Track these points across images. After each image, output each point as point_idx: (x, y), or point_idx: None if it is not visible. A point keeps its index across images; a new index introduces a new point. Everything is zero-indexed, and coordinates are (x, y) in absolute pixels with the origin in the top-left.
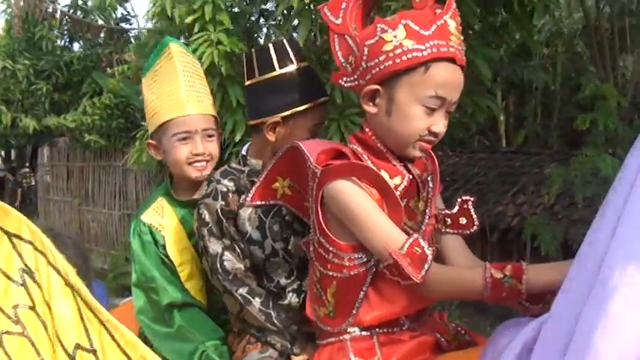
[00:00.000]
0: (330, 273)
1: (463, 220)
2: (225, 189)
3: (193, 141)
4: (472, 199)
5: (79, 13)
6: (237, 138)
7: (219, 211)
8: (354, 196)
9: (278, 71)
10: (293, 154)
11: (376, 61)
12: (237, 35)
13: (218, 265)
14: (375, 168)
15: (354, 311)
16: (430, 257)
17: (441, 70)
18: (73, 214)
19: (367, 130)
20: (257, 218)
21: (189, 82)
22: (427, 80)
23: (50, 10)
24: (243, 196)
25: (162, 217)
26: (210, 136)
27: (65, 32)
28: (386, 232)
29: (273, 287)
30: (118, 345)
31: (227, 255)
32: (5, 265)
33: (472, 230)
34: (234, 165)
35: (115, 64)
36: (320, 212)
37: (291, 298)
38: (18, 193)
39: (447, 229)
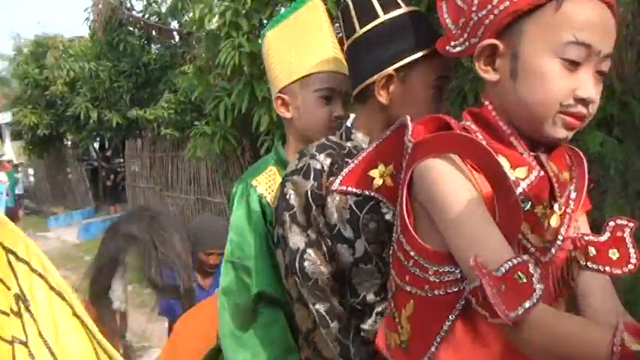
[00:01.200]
0: (408, 288)
1: (614, 254)
2: (319, 166)
3: (335, 101)
4: (632, 224)
5: (154, 17)
6: (262, 128)
7: (309, 193)
8: (449, 182)
9: (383, 17)
10: (399, 134)
11: (489, 6)
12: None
13: (297, 265)
14: (489, 149)
15: (433, 349)
16: (537, 294)
17: (579, 5)
18: (155, 199)
19: (487, 103)
20: (348, 210)
21: (334, 40)
22: (561, 20)
23: (126, 16)
24: (331, 179)
25: (273, 188)
26: (346, 101)
27: (142, 35)
28: (483, 239)
29: (357, 304)
30: None
31: (310, 253)
32: (8, 283)
33: (627, 270)
34: (333, 138)
35: (187, 63)
36: (405, 201)
37: (376, 325)
38: (110, 180)
39: (589, 263)
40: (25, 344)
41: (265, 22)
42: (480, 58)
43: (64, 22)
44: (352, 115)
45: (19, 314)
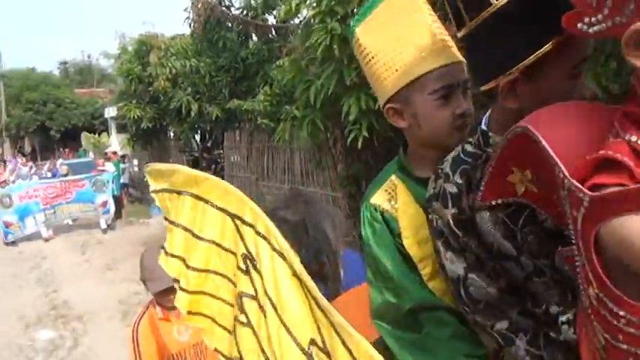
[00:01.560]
0: (625, 347)
1: None
2: (455, 189)
3: (456, 97)
4: None
5: (251, 12)
6: (352, 117)
7: (451, 222)
8: None
9: (496, 3)
10: (523, 140)
11: None
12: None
13: (462, 293)
14: None
15: None
16: None
17: None
18: (252, 188)
19: None
20: (501, 224)
21: (437, 23)
22: None
23: (224, 13)
24: (471, 195)
25: (395, 199)
26: (467, 89)
27: (240, 31)
28: None
29: (542, 315)
30: (350, 353)
31: (472, 277)
32: (233, 249)
33: None
34: (469, 149)
35: (283, 57)
36: (595, 258)
37: (567, 333)
38: (211, 170)
39: None
40: (254, 298)
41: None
42: (629, 44)
43: (165, 21)
44: (485, 115)
45: (247, 272)
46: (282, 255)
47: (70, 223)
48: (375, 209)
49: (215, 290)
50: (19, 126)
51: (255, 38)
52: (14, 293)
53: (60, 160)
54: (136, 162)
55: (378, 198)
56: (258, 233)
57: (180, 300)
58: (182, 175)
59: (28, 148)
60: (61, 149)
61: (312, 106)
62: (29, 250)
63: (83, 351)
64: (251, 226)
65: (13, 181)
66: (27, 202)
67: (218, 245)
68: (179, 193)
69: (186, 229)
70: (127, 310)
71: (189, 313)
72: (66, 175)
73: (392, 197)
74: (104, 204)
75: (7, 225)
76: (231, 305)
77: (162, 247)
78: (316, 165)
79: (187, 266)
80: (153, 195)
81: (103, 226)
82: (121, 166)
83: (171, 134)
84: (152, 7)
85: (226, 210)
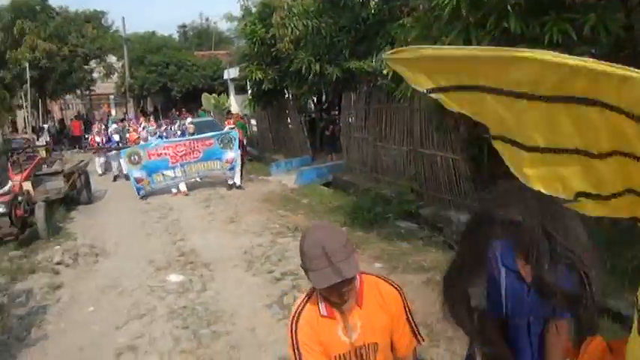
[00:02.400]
0: None
1: None
2: None
3: None
4: None
5: None
6: None
7: None
8: None
9: None
10: None
11: None
12: None
13: None
14: None
15: None
16: None
17: None
18: (369, 150)
19: None
20: None
21: None
22: None
23: None
24: None
25: None
26: None
27: None
28: None
29: None
30: None
31: None
32: None
33: None
34: None
35: (405, 15)
36: None
37: None
38: (329, 131)
39: None
40: None
41: None
42: None
43: None
44: None
45: None
46: None
47: (199, 180)
48: None
49: None
50: (142, 87)
51: None
52: (144, 240)
53: (188, 119)
54: (254, 122)
55: None
56: None
57: None
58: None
59: (150, 109)
60: (173, 110)
61: None
62: (156, 202)
63: (211, 294)
64: None
65: (145, 139)
66: (155, 159)
67: None
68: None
69: None
70: (251, 260)
71: None
72: (192, 135)
73: None
74: (230, 160)
75: (138, 181)
76: None
77: None
78: (437, 126)
79: None
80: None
81: (231, 182)
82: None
83: (290, 96)
84: None
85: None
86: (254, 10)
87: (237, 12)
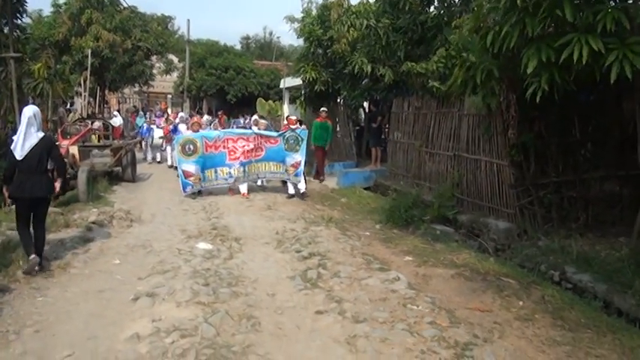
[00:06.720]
0: None
1: None
2: None
3: None
4: None
5: None
6: (530, 70)
7: None
8: None
9: None
10: None
11: None
12: None
13: None
14: None
15: None
16: None
17: None
18: (414, 155)
19: None
20: None
21: None
22: None
23: None
24: None
25: None
26: None
27: None
28: None
29: None
30: None
31: None
32: None
33: None
34: None
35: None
36: None
37: None
38: (376, 123)
39: None
40: None
41: None
42: None
43: None
44: None
45: None
46: None
47: (259, 184)
48: None
49: None
50: (199, 88)
51: (436, 2)
52: (180, 214)
53: (255, 117)
54: (303, 126)
55: None
56: None
57: None
58: None
59: (205, 110)
60: (220, 113)
61: (489, 53)
62: None
63: (237, 262)
64: None
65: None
66: (212, 152)
67: None
68: None
69: None
70: (281, 240)
71: None
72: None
73: None
74: (296, 164)
75: (186, 175)
76: None
77: None
78: (485, 130)
79: None
80: None
81: (291, 191)
82: None
83: (341, 100)
84: None
85: None
86: (314, 12)
87: (299, 14)
